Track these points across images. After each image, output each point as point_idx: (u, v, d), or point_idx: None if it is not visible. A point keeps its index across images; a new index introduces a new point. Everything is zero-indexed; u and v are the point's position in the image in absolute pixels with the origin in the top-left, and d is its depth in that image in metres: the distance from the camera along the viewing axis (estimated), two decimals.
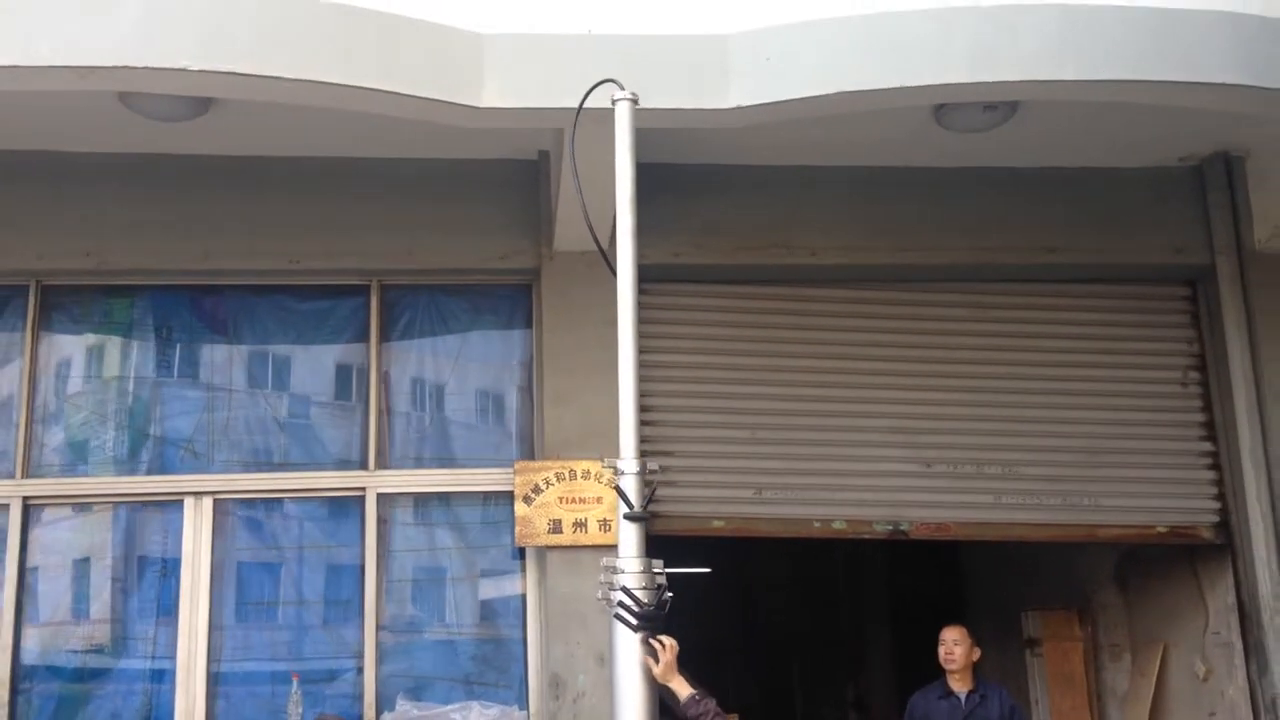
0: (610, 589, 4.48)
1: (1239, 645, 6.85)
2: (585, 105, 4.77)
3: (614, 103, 4.61)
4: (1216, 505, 6.96)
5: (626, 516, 4.41)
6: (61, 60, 4.80)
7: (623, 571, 4.48)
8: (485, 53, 5.32)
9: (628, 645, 4.44)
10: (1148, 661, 7.67)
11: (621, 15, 5.35)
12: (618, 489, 4.43)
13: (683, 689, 4.44)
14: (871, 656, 12.64)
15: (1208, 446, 7.02)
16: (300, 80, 4.96)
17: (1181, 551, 7.23)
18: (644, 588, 4.47)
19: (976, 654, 6.20)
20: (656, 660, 4.37)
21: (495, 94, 5.32)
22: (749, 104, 5.40)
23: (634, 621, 4.45)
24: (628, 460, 4.39)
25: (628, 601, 4.45)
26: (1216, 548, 6.97)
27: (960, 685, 6.08)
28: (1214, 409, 7.03)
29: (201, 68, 4.85)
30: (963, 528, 6.93)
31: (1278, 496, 6.72)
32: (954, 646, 6.12)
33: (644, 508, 4.41)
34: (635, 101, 4.57)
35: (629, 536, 4.49)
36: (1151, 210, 7.04)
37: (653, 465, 4.59)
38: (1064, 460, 6.96)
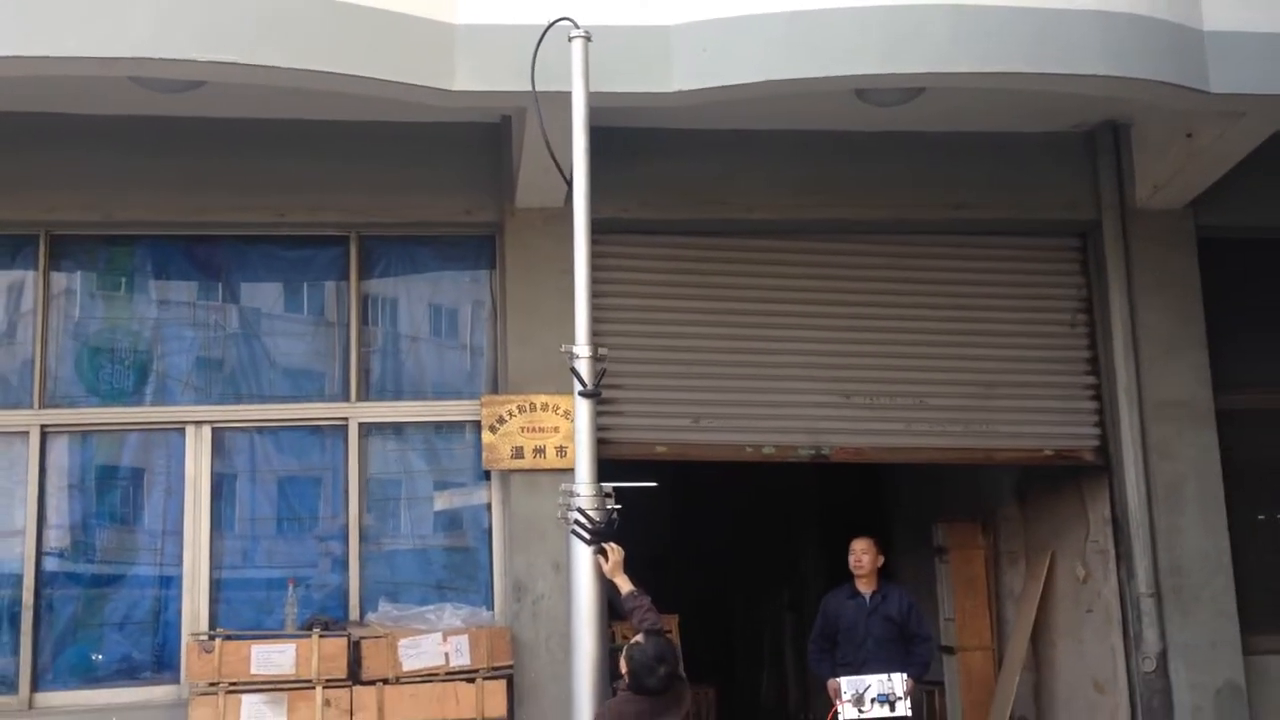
0: (567, 509, 5.41)
1: (1113, 552, 7.85)
2: (544, 89, 5.69)
3: (570, 40, 5.65)
4: (1097, 432, 7.91)
5: (581, 393, 5.47)
6: (86, 52, 5.49)
7: (578, 495, 5.41)
8: (456, 41, 6.05)
9: (582, 555, 5.38)
10: (1038, 566, 8.69)
11: (577, 6, 6.01)
12: (573, 370, 5.45)
13: (625, 585, 5.38)
14: (803, 563, 13.69)
15: (1091, 380, 7.95)
16: (295, 69, 5.68)
17: (1069, 471, 8.18)
18: (595, 508, 5.40)
19: (880, 560, 7.12)
20: (606, 559, 5.30)
21: (466, 78, 6.07)
22: (688, 89, 6.18)
23: (587, 536, 5.38)
24: (581, 347, 5.38)
25: (582, 520, 5.38)
26: (1096, 468, 7.93)
27: (866, 587, 7.01)
28: (1097, 347, 7.94)
29: (208, 59, 5.56)
30: (876, 452, 7.86)
31: (1148, 424, 7.66)
32: (862, 555, 7.04)
33: (596, 386, 5.41)
34: (588, 39, 5.67)
35: (583, 463, 5.45)
36: (1047, 171, 7.88)
37: (602, 350, 5.57)
38: (966, 391, 7.85)
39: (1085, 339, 8.00)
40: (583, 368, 5.47)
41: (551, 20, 5.80)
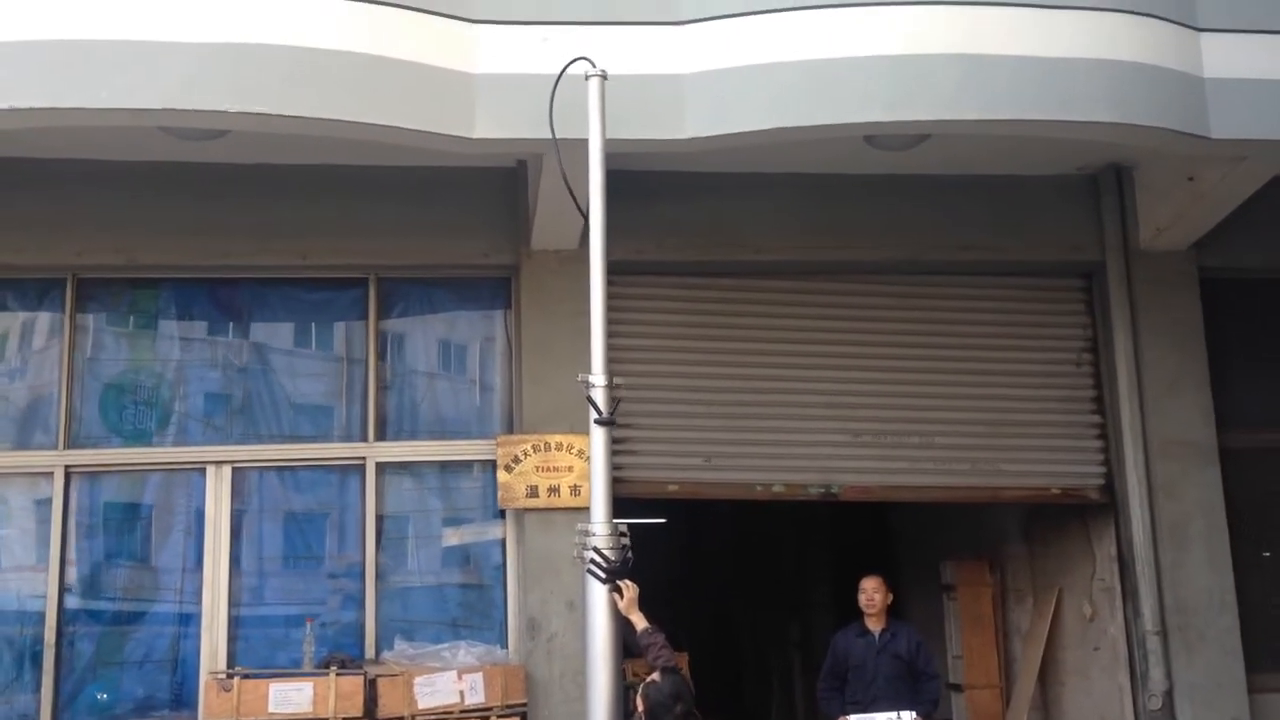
0: (583, 548, 5.52)
1: (1119, 590, 7.93)
2: (562, 137, 5.90)
3: (587, 79, 5.80)
4: (1103, 470, 8.02)
5: (597, 421, 5.61)
6: (117, 104, 5.65)
7: (593, 534, 5.52)
8: (477, 91, 6.21)
9: (598, 593, 5.48)
10: (1045, 604, 8.78)
11: (593, 55, 6.16)
12: (589, 399, 5.56)
13: (640, 622, 5.49)
14: (814, 601, 13.77)
15: (1096, 419, 8.07)
16: (322, 119, 5.84)
17: (1075, 510, 8.29)
18: (610, 547, 5.51)
19: (889, 598, 7.22)
20: (622, 596, 5.41)
21: (485, 127, 6.23)
22: (702, 135, 6.34)
23: (603, 575, 5.48)
24: (597, 376, 5.53)
25: (598, 559, 5.49)
26: (1102, 507, 8.05)
27: (875, 625, 7.08)
28: (1102, 386, 8.07)
29: (239, 109, 5.72)
30: (885, 490, 7.98)
31: (1152, 463, 7.77)
32: (873, 594, 7.12)
33: (611, 414, 5.54)
34: (604, 77, 5.82)
35: (598, 502, 5.56)
36: (1053, 213, 8.03)
37: (617, 380, 5.70)
38: (973, 431, 7.97)
39: (1090, 378, 8.13)
40: (598, 396, 5.61)
41: (568, 61, 5.96)
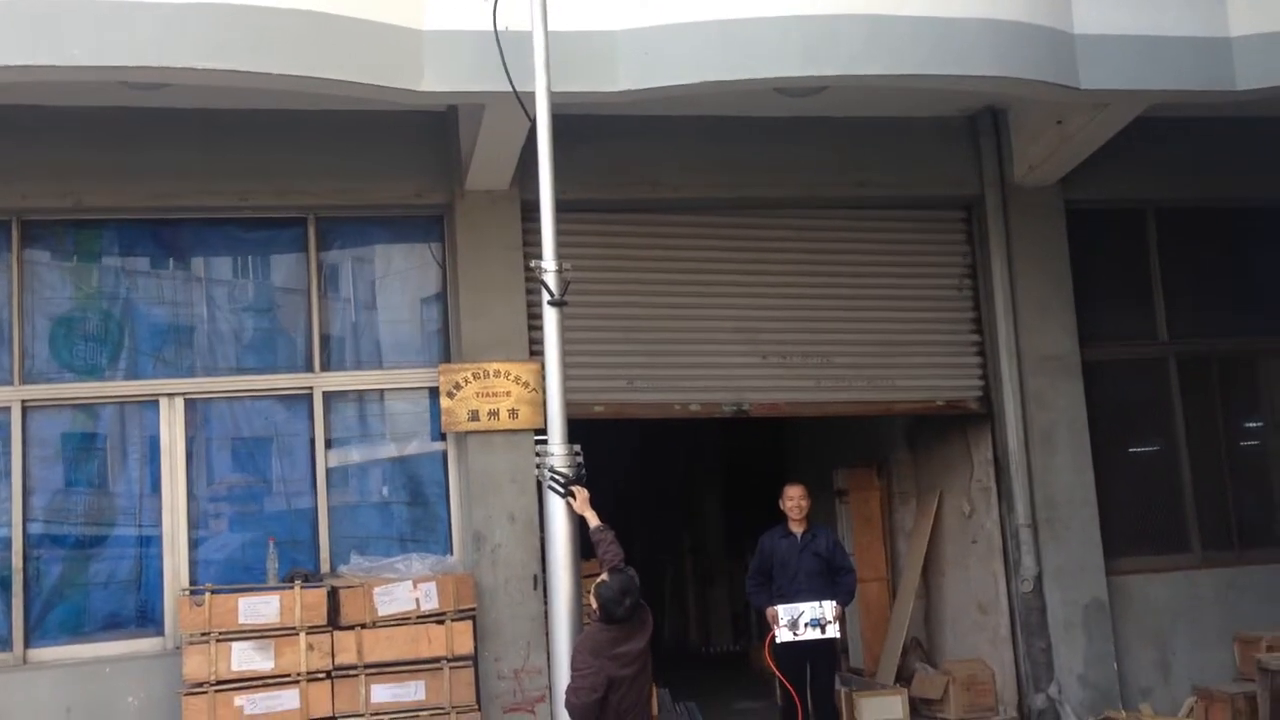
0: (542, 467, 6.17)
1: (994, 489, 8.92)
2: (497, 90, 6.51)
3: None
4: (981, 384, 8.95)
5: (549, 303, 6.24)
6: (90, 61, 5.97)
7: (552, 454, 6.17)
8: (424, 46, 6.65)
9: (557, 507, 6.14)
10: (928, 504, 9.74)
11: (531, 14, 6.62)
12: (542, 283, 6.23)
13: (593, 520, 6.15)
14: (706, 509, 14.67)
15: (975, 338, 8.97)
16: (286, 75, 6.24)
17: (955, 419, 9.21)
18: (566, 465, 6.16)
19: (809, 504, 7.98)
20: (575, 499, 6.05)
21: (432, 80, 6.68)
22: (634, 88, 6.90)
23: (561, 490, 6.13)
24: (548, 261, 6.21)
25: (556, 475, 6.13)
26: (980, 416, 8.98)
27: (798, 528, 7.80)
28: (980, 309, 8.96)
29: (206, 67, 6.09)
30: (791, 406, 8.77)
31: (1025, 376, 8.71)
32: (800, 500, 7.81)
33: (562, 295, 6.24)
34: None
35: (555, 426, 6.19)
36: (937, 151, 8.83)
37: (566, 265, 6.32)
38: (867, 350, 8.79)
39: (970, 301, 9.01)
40: (550, 280, 6.22)
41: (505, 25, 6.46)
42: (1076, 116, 8.07)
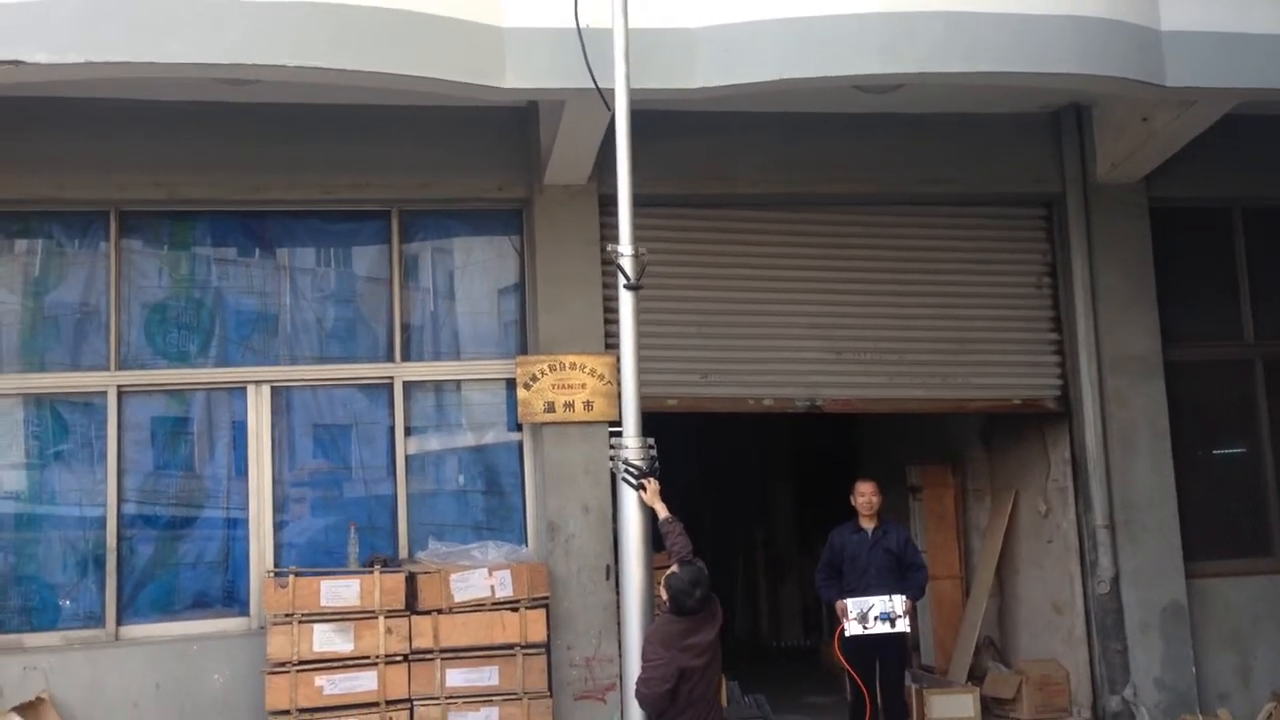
0: (616, 459, 6.26)
1: (1071, 489, 8.84)
2: (578, 86, 6.60)
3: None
4: (1059, 383, 8.88)
5: (626, 287, 6.30)
6: (188, 58, 6.17)
7: (625, 446, 6.26)
8: (505, 43, 6.77)
9: (630, 499, 6.23)
10: (1003, 502, 9.68)
11: (610, 12, 6.68)
12: (619, 266, 6.28)
13: (663, 511, 6.21)
14: (778, 504, 14.67)
15: (1054, 336, 8.90)
16: (372, 72, 6.40)
17: (1032, 418, 9.15)
18: (640, 457, 6.25)
19: (880, 501, 8.00)
20: (645, 491, 6.13)
21: (514, 77, 6.80)
22: (712, 85, 6.96)
23: (634, 481, 6.22)
24: (625, 246, 6.27)
25: (630, 467, 6.22)
26: (1057, 415, 8.91)
27: (869, 523, 7.82)
28: (1060, 307, 8.89)
29: (297, 64, 6.27)
30: (864, 402, 8.77)
31: (1105, 375, 8.63)
32: (872, 496, 7.83)
33: (638, 279, 6.30)
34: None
35: (629, 419, 6.28)
36: (1017, 148, 8.77)
37: (642, 250, 6.36)
38: (943, 348, 8.77)
39: (1049, 299, 8.94)
40: (627, 264, 6.28)
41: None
42: (1162, 114, 7.98)
